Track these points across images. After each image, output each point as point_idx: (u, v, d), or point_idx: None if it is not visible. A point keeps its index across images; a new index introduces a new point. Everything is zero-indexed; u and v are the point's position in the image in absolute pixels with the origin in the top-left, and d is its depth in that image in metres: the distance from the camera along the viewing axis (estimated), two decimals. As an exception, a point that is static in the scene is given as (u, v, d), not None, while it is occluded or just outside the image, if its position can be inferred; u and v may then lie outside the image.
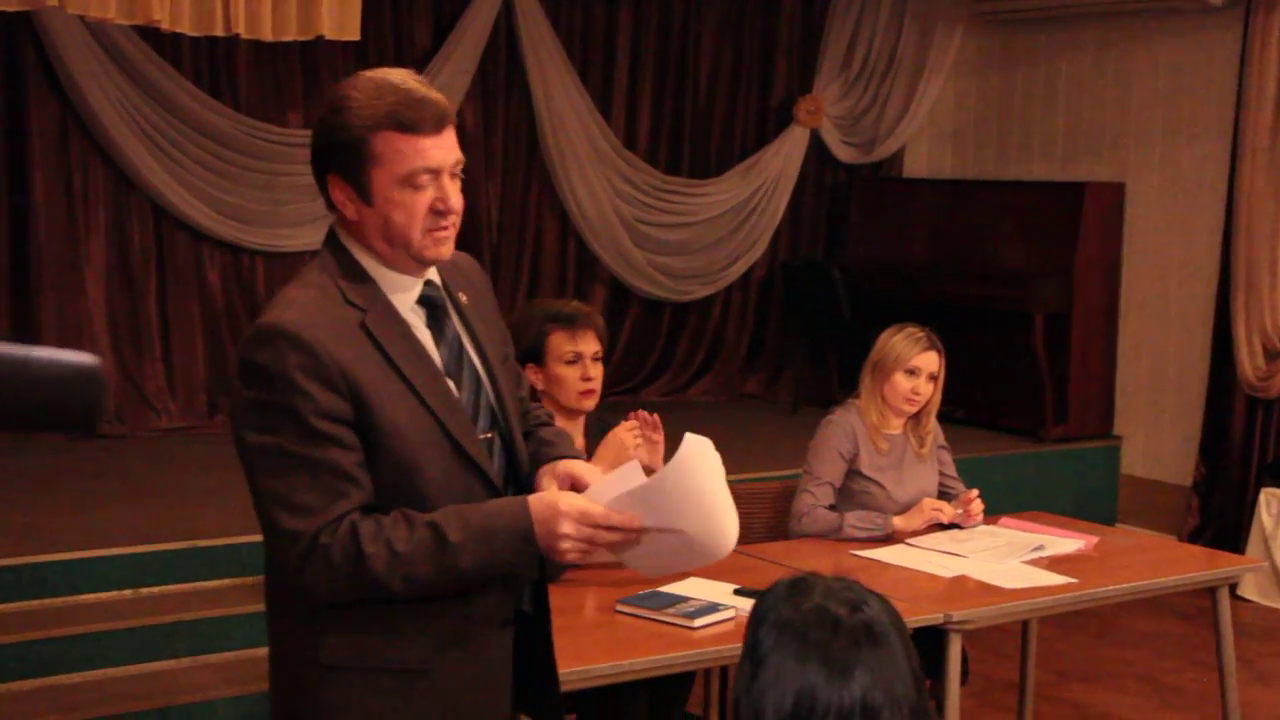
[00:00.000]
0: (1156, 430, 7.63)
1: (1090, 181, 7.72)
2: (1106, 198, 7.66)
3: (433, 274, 2.31)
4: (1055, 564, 3.94)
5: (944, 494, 4.33)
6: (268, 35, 5.40)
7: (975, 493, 4.22)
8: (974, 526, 4.20)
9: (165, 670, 4.75)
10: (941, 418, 4.41)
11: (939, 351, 4.26)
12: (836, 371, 8.29)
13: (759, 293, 8.73)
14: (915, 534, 4.12)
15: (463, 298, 2.37)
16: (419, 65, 7.15)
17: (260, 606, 5.20)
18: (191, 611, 4.92)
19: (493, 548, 2.15)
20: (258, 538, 5.60)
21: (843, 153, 8.66)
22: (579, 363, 3.70)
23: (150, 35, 6.41)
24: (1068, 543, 4.11)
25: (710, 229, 8.39)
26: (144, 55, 6.66)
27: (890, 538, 4.09)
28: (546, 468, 2.33)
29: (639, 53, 8.23)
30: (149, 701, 4.56)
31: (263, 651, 4.82)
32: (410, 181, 2.18)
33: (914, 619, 3.41)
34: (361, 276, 2.23)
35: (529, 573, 2.32)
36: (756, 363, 8.79)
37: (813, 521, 4.13)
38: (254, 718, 4.59)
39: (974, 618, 3.57)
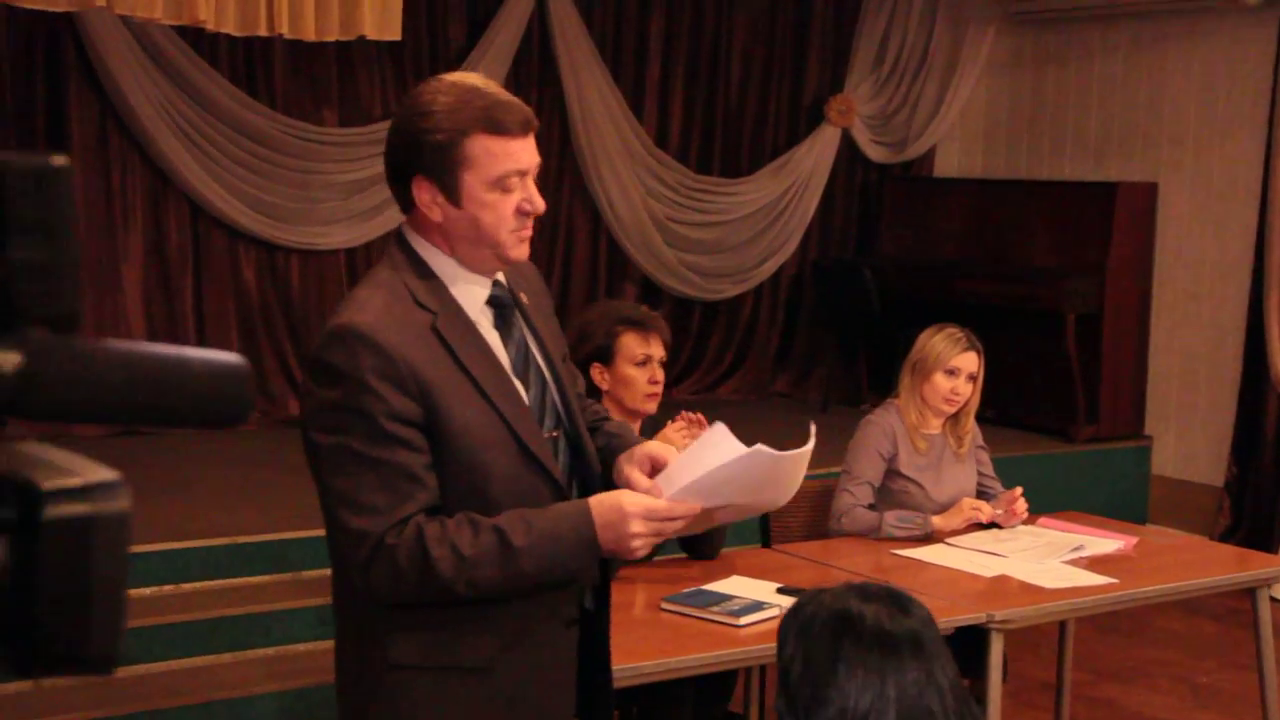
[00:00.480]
0: (1188, 430, 7.62)
1: (1122, 181, 7.70)
2: (1139, 198, 7.65)
3: (499, 275, 2.34)
4: (1095, 564, 3.95)
5: (982, 494, 4.34)
6: (311, 35, 5.42)
7: (1019, 491, 4.22)
8: (1013, 526, 4.22)
9: (207, 665, 4.79)
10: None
11: (978, 352, 4.27)
12: (866, 371, 8.30)
13: (789, 292, 8.73)
14: (955, 533, 4.13)
15: (524, 298, 2.40)
16: (453, 64, 7.19)
17: (302, 601, 5.23)
18: (233, 607, 4.95)
19: (556, 552, 2.18)
20: (298, 534, 5.59)
21: (874, 152, 8.66)
22: (648, 365, 3.72)
23: (189, 34, 6.45)
24: (1107, 543, 4.12)
25: (741, 228, 8.40)
26: (183, 54, 6.71)
27: (929, 537, 4.11)
28: (623, 456, 2.37)
29: (671, 52, 8.24)
30: (191, 697, 4.60)
31: (304, 647, 4.89)
32: (501, 184, 2.21)
33: (956, 618, 3.43)
34: (431, 277, 2.26)
35: (589, 576, 2.35)
36: (786, 361, 8.80)
37: (852, 521, 4.15)
38: (295, 713, 4.63)
39: (1016, 617, 3.58)
